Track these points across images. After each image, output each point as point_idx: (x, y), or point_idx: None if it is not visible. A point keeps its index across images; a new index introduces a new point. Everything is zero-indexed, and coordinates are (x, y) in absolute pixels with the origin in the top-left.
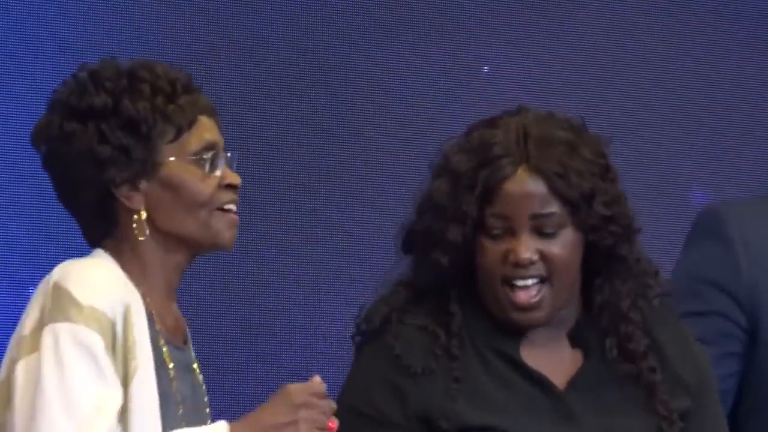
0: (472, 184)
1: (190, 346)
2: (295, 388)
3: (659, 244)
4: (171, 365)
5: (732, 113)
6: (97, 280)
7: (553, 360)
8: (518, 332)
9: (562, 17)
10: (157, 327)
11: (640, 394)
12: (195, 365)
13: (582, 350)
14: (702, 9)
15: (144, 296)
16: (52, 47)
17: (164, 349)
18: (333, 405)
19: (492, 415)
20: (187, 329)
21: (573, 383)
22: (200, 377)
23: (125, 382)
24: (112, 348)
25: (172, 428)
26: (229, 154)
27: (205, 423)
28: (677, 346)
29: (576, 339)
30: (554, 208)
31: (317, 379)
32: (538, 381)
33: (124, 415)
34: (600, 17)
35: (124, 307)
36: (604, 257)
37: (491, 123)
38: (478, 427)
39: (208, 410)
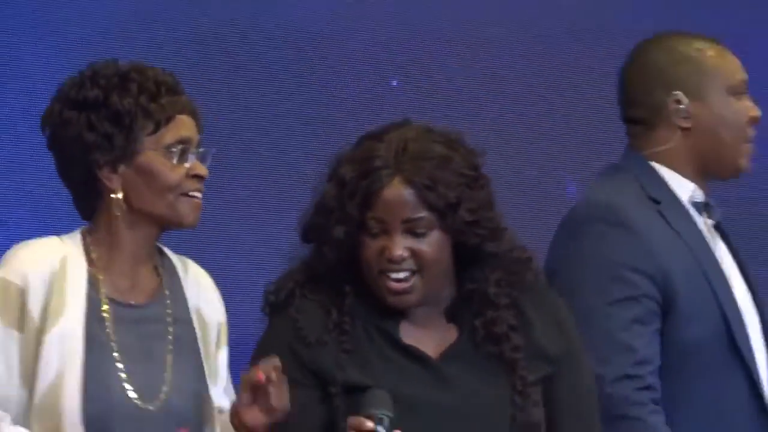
0: (355, 191)
1: (164, 303)
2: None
3: (538, 231)
4: (108, 318)
5: (600, 114)
6: (21, 255)
7: (430, 335)
8: (400, 312)
9: (468, 33)
10: (102, 288)
11: (503, 368)
12: (169, 319)
13: (457, 326)
14: (576, 12)
15: (95, 263)
16: (47, 48)
17: (104, 306)
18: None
19: (374, 379)
20: (168, 289)
21: (446, 354)
22: (170, 330)
23: (40, 334)
24: (20, 311)
25: (101, 370)
26: (201, 150)
27: (158, 371)
28: (545, 322)
29: (452, 316)
30: (423, 213)
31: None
32: (413, 354)
33: (34, 360)
34: (497, 31)
35: (50, 275)
36: (474, 251)
37: (377, 136)
38: (361, 386)
39: (169, 357)
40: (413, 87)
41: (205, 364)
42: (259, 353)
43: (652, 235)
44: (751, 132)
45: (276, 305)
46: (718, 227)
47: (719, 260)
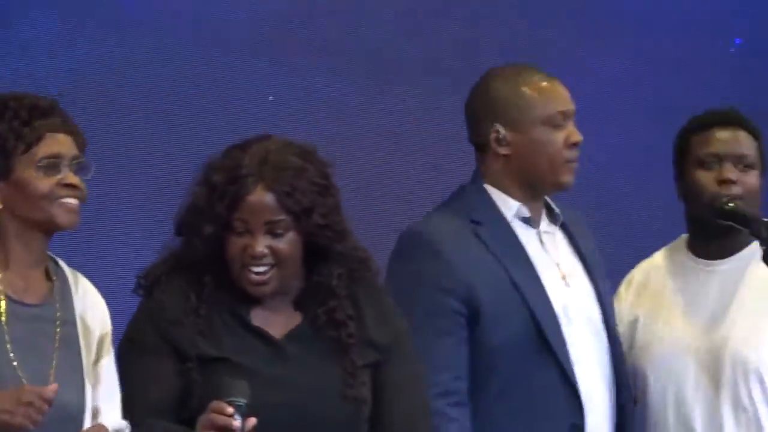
0: (224, 194)
1: (54, 306)
2: (28, 388)
3: (387, 232)
4: (4, 313)
5: (459, 116)
6: None
7: (277, 319)
8: (255, 300)
9: (342, 47)
10: (0, 286)
11: (338, 351)
12: (58, 321)
13: (302, 313)
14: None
15: None
16: None
17: (2, 301)
18: (47, 408)
19: (225, 353)
20: (58, 294)
21: (289, 335)
22: (58, 330)
23: None
24: None
25: None
26: (77, 161)
27: (45, 364)
28: (376, 315)
29: (298, 305)
30: (282, 216)
31: (53, 387)
32: (260, 334)
33: None
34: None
35: None
36: (322, 250)
37: (243, 147)
38: (212, 358)
39: (55, 354)
40: (287, 102)
41: (84, 366)
42: (129, 329)
43: (460, 257)
44: (570, 154)
45: (145, 288)
46: (564, 228)
47: (552, 262)
